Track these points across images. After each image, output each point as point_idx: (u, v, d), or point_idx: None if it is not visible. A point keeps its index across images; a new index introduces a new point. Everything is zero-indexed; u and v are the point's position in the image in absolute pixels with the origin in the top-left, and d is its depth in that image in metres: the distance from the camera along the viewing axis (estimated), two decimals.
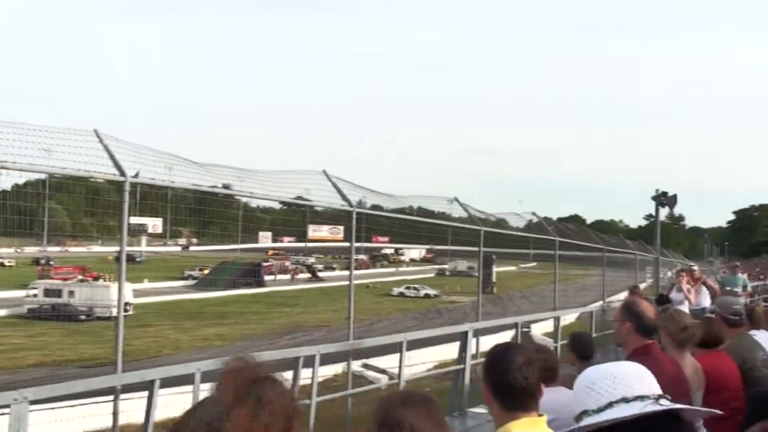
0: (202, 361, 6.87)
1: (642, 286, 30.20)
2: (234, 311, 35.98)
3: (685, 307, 10.22)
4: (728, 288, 15.27)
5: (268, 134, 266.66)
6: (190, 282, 50.43)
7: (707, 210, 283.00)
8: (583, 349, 5.08)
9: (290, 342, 25.89)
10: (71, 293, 38.21)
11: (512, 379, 2.31)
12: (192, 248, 54.03)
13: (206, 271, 48.18)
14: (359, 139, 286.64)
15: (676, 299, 11.32)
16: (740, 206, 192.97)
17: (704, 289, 12.16)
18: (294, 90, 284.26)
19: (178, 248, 55.81)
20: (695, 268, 12.99)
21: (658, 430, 1.68)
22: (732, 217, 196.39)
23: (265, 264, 50.60)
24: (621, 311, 4.03)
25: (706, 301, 11.84)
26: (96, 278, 44.38)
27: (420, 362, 16.18)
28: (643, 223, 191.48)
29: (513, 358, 2.35)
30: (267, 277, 47.38)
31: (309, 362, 8.15)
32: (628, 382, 1.75)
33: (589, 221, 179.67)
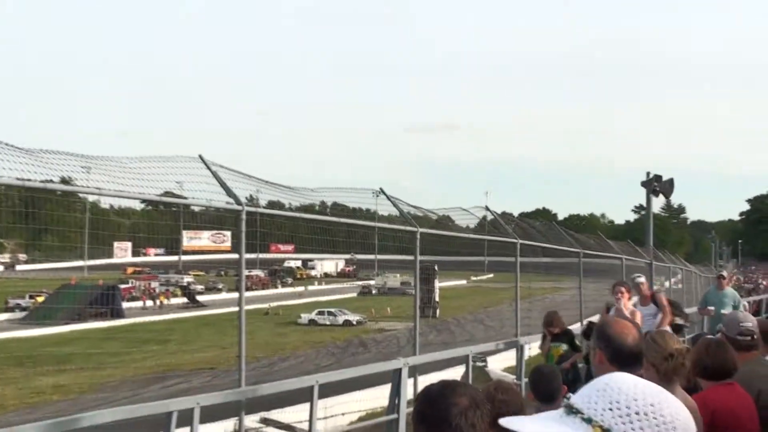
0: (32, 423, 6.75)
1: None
2: (80, 353, 35.31)
3: None
4: (710, 308, 15.16)
5: (129, 110, 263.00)
6: (18, 314, 49.17)
7: (714, 199, 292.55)
8: (546, 387, 5.19)
9: (161, 392, 25.57)
10: None
11: (453, 429, 2.35)
12: (20, 267, 52.79)
13: (40, 299, 47.09)
14: (257, 112, 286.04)
15: None
16: (755, 193, 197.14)
17: (656, 309, 12.06)
18: (166, 50, 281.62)
19: (0, 268, 54.45)
20: (641, 280, 12.72)
21: None
22: (745, 207, 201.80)
23: (123, 286, 49.84)
24: (593, 335, 4.11)
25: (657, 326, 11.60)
26: None
27: (339, 413, 16.25)
28: (632, 217, 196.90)
29: (454, 400, 2.39)
30: (127, 305, 46.65)
31: (186, 419, 8.09)
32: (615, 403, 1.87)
33: (560, 216, 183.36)
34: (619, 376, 1.93)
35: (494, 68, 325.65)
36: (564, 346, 11.96)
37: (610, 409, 1.84)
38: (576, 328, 20.32)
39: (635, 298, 12.41)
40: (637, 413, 1.81)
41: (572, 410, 1.90)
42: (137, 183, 8.86)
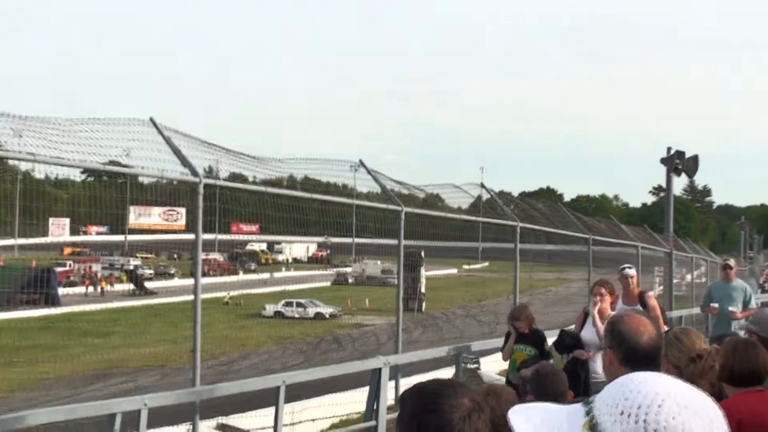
0: None
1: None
2: (8, 345, 35.15)
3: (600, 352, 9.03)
4: (713, 305, 14.09)
5: (66, 67, 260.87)
6: None
7: (744, 181, 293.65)
8: (549, 389, 5.20)
9: (103, 392, 25.56)
10: None
11: None
12: None
13: None
14: (218, 70, 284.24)
15: (588, 338, 10.17)
16: None
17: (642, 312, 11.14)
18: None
19: None
20: (632, 272, 11.92)
21: None
22: None
23: (59, 269, 49.61)
24: (605, 331, 4.11)
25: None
26: None
27: (308, 419, 16.28)
28: (650, 199, 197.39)
29: (455, 402, 2.36)
30: (63, 290, 46.43)
31: (132, 422, 8.09)
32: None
33: (567, 198, 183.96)
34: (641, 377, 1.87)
35: (491, 28, 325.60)
36: (530, 350, 10.66)
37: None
38: None
39: (617, 300, 11.33)
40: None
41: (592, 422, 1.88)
42: (78, 149, 8.78)
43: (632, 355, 3.88)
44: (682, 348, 4.41)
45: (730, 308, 13.65)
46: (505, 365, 11.57)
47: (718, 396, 4.77)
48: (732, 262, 15.59)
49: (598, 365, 9.41)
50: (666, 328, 11.13)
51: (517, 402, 4.78)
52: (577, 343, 10.15)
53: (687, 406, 1.75)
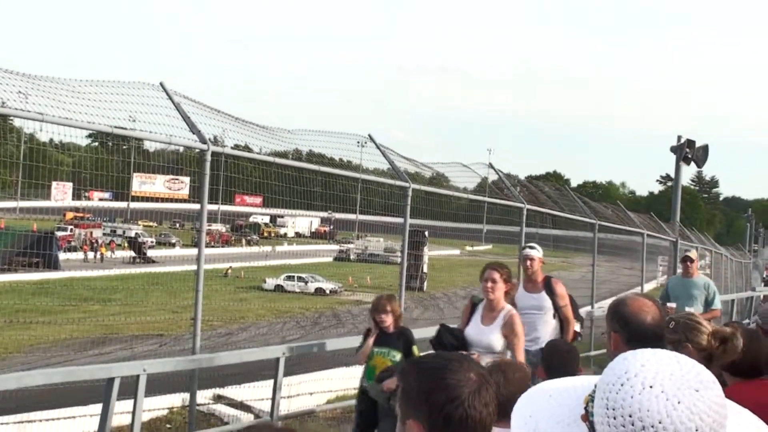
0: None
1: (650, 287, 31.15)
2: (7, 307, 35.19)
3: (488, 355, 7.84)
4: (670, 306, 11.49)
5: (78, 33, 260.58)
6: None
7: (752, 173, 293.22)
8: (561, 365, 5.20)
9: (100, 358, 25.62)
10: None
11: (460, 412, 2.30)
12: None
13: None
14: (231, 40, 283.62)
15: (474, 336, 8.41)
16: None
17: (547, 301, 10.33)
18: None
19: None
20: (535, 253, 10.58)
21: None
22: None
23: (60, 234, 49.67)
24: (606, 316, 4.10)
25: (544, 336, 9.94)
26: None
27: (306, 392, 16.30)
28: (657, 188, 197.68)
29: (459, 377, 2.34)
30: (64, 255, 46.44)
31: (128, 389, 8.10)
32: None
33: (574, 183, 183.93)
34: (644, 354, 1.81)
35: (502, 4, 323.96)
36: (395, 354, 9.02)
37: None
38: (584, 311, 20.42)
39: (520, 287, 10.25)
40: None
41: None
42: (87, 110, 8.75)
43: (637, 334, 3.89)
44: (704, 329, 4.38)
45: (688, 309, 11.21)
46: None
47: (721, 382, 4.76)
48: (693, 254, 13.77)
49: None
50: (577, 324, 10.57)
51: (529, 380, 4.79)
52: (459, 343, 8.28)
53: (654, 385, 1.69)
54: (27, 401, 13.06)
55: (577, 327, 10.51)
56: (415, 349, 9.07)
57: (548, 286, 10.36)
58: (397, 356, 8.89)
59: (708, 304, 12.67)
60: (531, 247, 10.60)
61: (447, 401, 2.29)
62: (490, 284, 8.36)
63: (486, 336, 8.14)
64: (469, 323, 8.51)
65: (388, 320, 9.04)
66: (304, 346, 11.53)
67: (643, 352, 1.81)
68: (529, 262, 10.44)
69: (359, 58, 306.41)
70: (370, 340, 9.05)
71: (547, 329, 10.17)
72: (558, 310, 10.29)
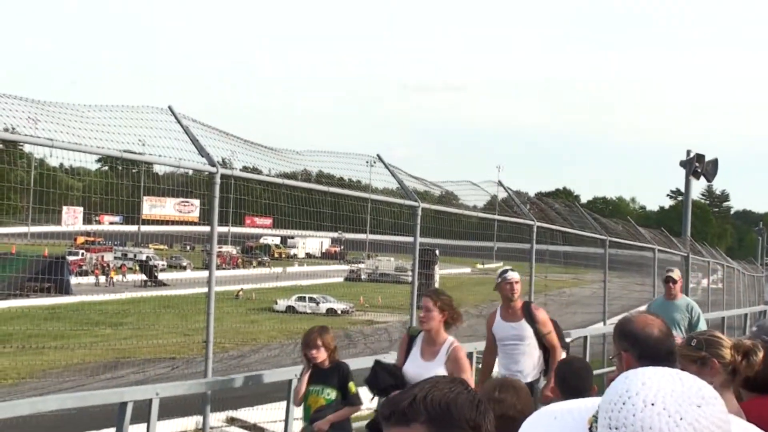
0: None
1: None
2: (19, 332, 35.22)
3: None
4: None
5: (81, 54, 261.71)
6: None
7: (763, 186, 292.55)
8: (576, 383, 5.19)
9: (113, 382, 25.59)
10: None
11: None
12: None
13: None
14: (236, 61, 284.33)
15: (413, 374, 7.56)
16: None
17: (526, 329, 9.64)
18: None
19: None
20: (513, 275, 9.76)
21: None
22: None
23: (72, 258, 49.64)
24: (613, 337, 4.09)
25: (527, 369, 9.52)
26: None
27: None
28: (667, 203, 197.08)
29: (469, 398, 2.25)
30: (75, 279, 46.48)
31: (141, 413, 8.10)
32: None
33: (584, 199, 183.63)
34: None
35: (507, 20, 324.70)
36: (330, 392, 8.31)
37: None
38: (597, 328, 20.39)
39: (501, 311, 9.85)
40: None
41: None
42: (96, 135, 8.80)
43: (647, 349, 3.90)
44: (726, 343, 4.37)
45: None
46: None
47: (737, 397, 4.77)
48: (676, 273, 12.79)
49: None
50: (563, 353, 9.81)
51: (528, 396, 4.79)
52: (397, 382, 7.62)
53: (655, 402, 1.69)
54: (40, 428, 13.06)
55: (563, 355, 9.59)
56: (351, 385, 8.30)
57: (528, 314, 9.57)
58: (332, 393, 8.21)
59: (692, 327, 11.84)
60: (512, 270, 9.78)
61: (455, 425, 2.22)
62: (423, 313, 7.71)
63: (428, 372, 6.54)
64: (408, 358, 7.92)
65: (321, 356, 8.29)
66: None
67: (644, 370, 1.81)
68: (509, 287, 9.55)
69: (364, 75, 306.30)
70: (304, 378, 8.40)
71: (530, 361, 9.56)
72: (542, 339, 9.57)
